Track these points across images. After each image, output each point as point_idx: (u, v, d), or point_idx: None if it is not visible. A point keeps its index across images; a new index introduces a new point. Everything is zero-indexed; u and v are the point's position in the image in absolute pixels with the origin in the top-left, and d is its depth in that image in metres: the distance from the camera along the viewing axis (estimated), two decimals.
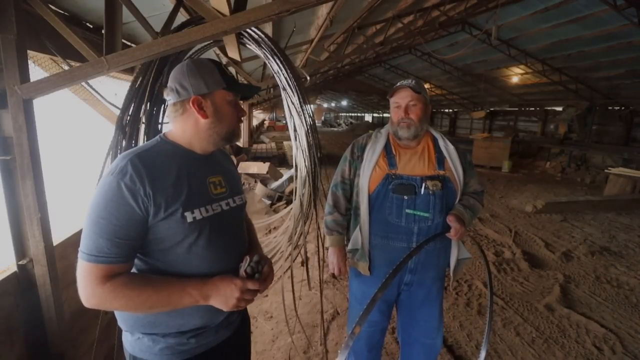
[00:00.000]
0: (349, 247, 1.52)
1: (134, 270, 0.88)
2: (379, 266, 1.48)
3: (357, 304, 1.59)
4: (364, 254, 1.47)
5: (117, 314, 0.91)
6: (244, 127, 11.32)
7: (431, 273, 1.48)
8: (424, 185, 1.37)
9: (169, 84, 0.90)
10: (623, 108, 10.36)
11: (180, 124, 0.91)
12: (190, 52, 2.58)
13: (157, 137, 0.94)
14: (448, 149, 1.45)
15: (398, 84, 1.44)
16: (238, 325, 1.06)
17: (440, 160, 1.43)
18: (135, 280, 0.81)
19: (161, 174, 0.84)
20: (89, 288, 0.77)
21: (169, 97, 0.90)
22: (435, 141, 1.49)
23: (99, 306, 0.79)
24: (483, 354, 1.14)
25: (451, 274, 1.50)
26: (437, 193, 1.38)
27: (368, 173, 1.43)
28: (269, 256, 3.05)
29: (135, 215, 0.78)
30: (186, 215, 0.84)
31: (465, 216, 1.39)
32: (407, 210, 1.38)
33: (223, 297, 0.84)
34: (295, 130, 2.33)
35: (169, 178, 0.84)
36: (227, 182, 0.99)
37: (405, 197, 1.38)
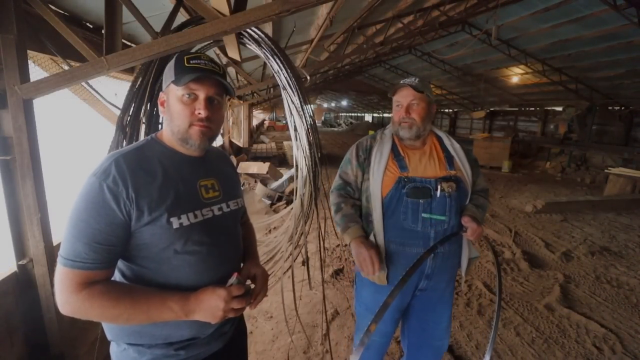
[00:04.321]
0: None
1: (118, 276, 0.84)
2: (394, 275, 1.38)
3: (369, 313, 1.46)
4: (381, 261, 1.36)
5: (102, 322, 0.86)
6: (243, 127, 11.31)
7: (446, 276, 1.44)
8: (439, 187, 1.32)
9: None
10: (623, 108, 10.36)
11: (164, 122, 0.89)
12: None
13: (149, 136, 0.90)
14: (454, 147, 1.41)
15: (401, 82, 1.38)
16: (232, 336, 0.99)
17: (450, 160, 1.38)
18: (113, 290, 0.75)
19: (146, 176, 0.79)
20: (63, 294, 0.73)
21: None
22: (440, 140, 1.44)
23: (74, 314, 0.74)
24: (487, 357, 1.12)
25: (462, 274, 1.47)
26: (453, 195, 1.33)
27: (379, 177, 1.35)
28: (270, 256, 3.05)
29: (117, 219, 0.74)
30: (172, 221, 0.79)
31: (479, 215, 1.35)
32: (424, 215, 1.32)
33: (207, 310, 0.79)
34: (295, 129, 2.32)
35: (155, 181, 0.79)
36: (221, 185, 0.93)
37: (421, 201, 1.32)
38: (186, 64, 0.81)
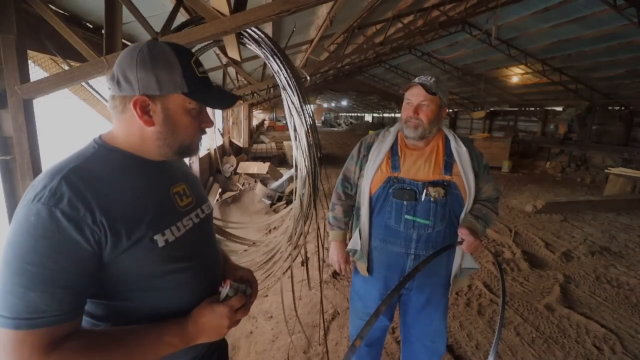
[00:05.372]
0: (349, 246, 1.52)
1: (86, 318, 0.67)
2: (378, 268, 1.46)
3: (359, 299, 1.60)
4: (363, 255, 1.46)
5: None
6: (243, 127, 11.30)
7: (432, 279, 1.44)
8: (425, 191, 1.32)
9: (113, 68, 0.68)
10: (623, 108, 10.35)
11: (123, 126, 0.70)
12: None
13: (92, 142, 0.71)
14: (460, 151, 1.36)
15: (416, 79, 1.35)
16: (221, 351, 0.94)
17: (448, 164, 1.35)
18: (95, 343, 0.60)
19: (112, 191, 0.64)
20: None
21: (111, 86, 0.68)
22: (447, 142, 1.40)
23: None
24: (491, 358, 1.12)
25: (451, 282, 1.45)
26: (439, 200, 1.32)
27: (371, 174, 1.39)
28: (269, 256, 3.05)
29: (83, 252, 0.58)
30: (156, 239, 0.67)
31: (478, 227, 1.32)
32: (407, 216, 1.34)
33: (211, 331, 0.71)
34: (295, 130, 2.32)
35: (125, 196, 0.65)
36: (191, 189, 0.82)
37: (405, 203, 1.34)
38: (198, 74, 0.70)
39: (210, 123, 0.77)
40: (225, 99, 0.77)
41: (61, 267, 0.57)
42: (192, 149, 0.76)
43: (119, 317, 0.68)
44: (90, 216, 0.59)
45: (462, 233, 1.28)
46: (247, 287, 0.81)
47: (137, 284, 0.67)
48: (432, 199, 1.32)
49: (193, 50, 2.71)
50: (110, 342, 0.61)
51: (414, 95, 1.33)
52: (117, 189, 0.65)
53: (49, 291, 0.56)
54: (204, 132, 0.78)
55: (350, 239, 1.55)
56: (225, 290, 0.75)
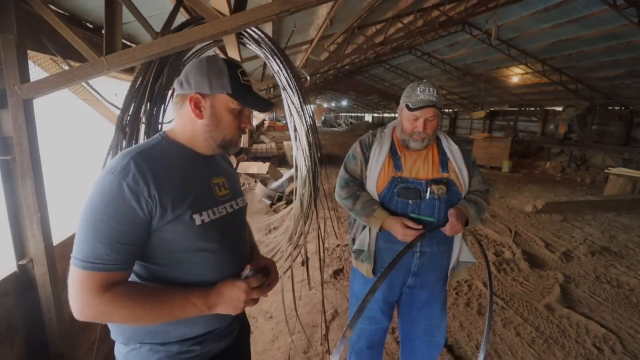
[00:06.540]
0: (355, 247, 1.50)
1: (132, 278, 0.83)
2: (382, 269, 1.46)
3: (358, 302, 1.58)
4: (369, 255, 1.45)
5: (111, 324, 0.85)
6: None
7: (434, 275, 1.47)
8: (429, 189, 1.35)
9: (181, 74, 0.88)
10: (623, 108, 10.36)
11: (182, 120, 0.88)
12: (190, 52, 2.58)
13: (158, 135, 0.90)
14: (452, 149, 1.43)
15: (421, 95, 1.32)
16: (238, 334, 1.03)
17: (444, 162, 1.41)
18: (136, 290, 0.76)
19: (166, 174, 0.80)
20: (84, 298, 0.71)
21: (176, 87, 0.88)
22: (438, 142, 1.46)
23: (95, 318, 0.73)
24: (482, 355, 1.13)
25: (448, 274, 1.48)
26: (442, 197, 1.36)
27: (375, 175, 1.41)
28: (269, 256, 3.05)
29: (138, 218, 0.74)
30: (194, 217, 0.81)
31: (470, 210, 1.35)
32: (412, 215, 1.36)
33: (229, 303, 0.82)
34: (295, 130, 2.32)
35: (175, 179, 0.81)
36: (229, 183, 0.97)
37: (410, 202, 1.36)
38: (242, 81, 0.87)
39: (249, 124, 0.93)
40: (262, 103, 0.92)
41: (122, 227, 0.72)
42: (232, 144, 0.91)
43: (157, 279, 0.82)
44: (147, 190, 0.74)
45: (450, 214, 1.31)
46: (262, 278, 0.91)
47: (174, 254, 0.81)
48: (435, 196, 1.35)
49: (193, 50, 2.71)
50: (147, 292, 0.77)
51: (423, 113, 1.34)
52: (170, 172, 0.81)
53: (111, 244, 0.72)
54: (244, 132, 0.93)
55: (356, 240, 1.51)
56: (245, 272, 0.86)
